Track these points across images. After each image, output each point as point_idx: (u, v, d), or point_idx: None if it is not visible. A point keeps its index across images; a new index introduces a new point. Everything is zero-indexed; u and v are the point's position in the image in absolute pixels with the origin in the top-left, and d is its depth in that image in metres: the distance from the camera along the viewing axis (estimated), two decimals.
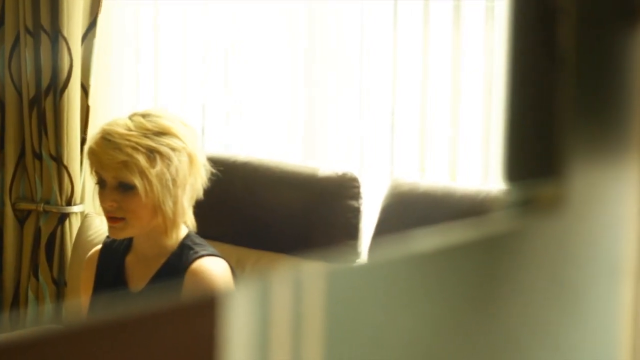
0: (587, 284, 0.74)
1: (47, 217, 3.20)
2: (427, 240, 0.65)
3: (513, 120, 0.71)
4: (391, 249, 0.64)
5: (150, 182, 2.30)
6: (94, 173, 2.38)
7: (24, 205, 3.24)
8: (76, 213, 3.19)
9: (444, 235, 0.66)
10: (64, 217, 3.18)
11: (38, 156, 3.17)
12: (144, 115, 2.37)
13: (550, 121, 0.69)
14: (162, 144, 2.32)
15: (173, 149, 2.33)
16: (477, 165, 2.93)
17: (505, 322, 0.70)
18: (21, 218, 3.25)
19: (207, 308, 0.56)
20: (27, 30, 3.12)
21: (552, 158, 0.70)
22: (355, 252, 2.64)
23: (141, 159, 2.30)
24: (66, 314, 2.45)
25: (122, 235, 2.37)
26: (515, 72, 0.71)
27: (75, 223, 3.16)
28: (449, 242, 0.65)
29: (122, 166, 2.31)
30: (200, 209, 2.40)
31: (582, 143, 0.70)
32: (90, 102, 3.14)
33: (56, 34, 3.10)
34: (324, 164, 2.92)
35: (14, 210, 3.24)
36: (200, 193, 2.40)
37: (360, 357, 0.61)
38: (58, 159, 3.13)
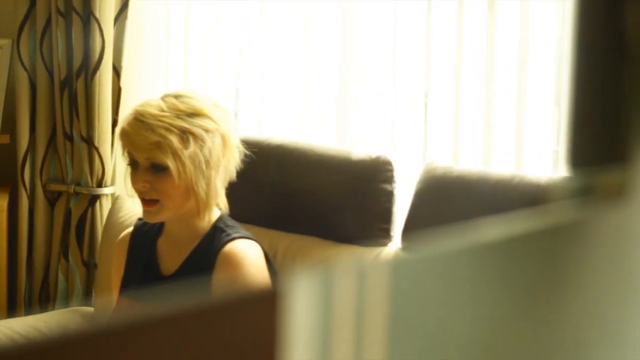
0: None
1: (78, 198, 3.20)
2: (488, 230, 0.63)
3: (577, 103, 0.69)
4: (454, 240, 0.62)
5: (183, 163, 2.28)
6: (126, 154, 2.37)
7: (54, 187, 3.23)
8: (107, 195, 3.18)
9: (505, 225, 0.64)
10: (95, 198, 3.17)
11: (69, 137, 3.17)
12: (176, 97, 2.35)
13: (616, 104, 0.67)
14: (194, 125, 2.30)
15: (206, 130, 2.31)
16: (510, 149, 2.90)
17: (567, 314, 0.68)
18: (52, 199, 3.25)
19: (267, 301, 0.54)
20: (58, 11, 3.11)
21: (617, 143, 0.67)
22: (388, 236, 2.62)
23: (174, 140, 2.28)
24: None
25: (157, 219, 2.35)
26: (581, 53, 0.69)
27: (105, 205, 3.16)
28: (511, 232, 0.63)
29: (155, 147, 2.29)
30: (233, 191, 2.38)
31: None
32: (122, 83, 3.13)
33: (88, 15, 3.09)
34: (357, 147, 2.90)
35: (45, 191, 3.23)
36: (233, 175, 2.38)
37: (423, 349, 0.60)
38: (89, 141, 3.12)
